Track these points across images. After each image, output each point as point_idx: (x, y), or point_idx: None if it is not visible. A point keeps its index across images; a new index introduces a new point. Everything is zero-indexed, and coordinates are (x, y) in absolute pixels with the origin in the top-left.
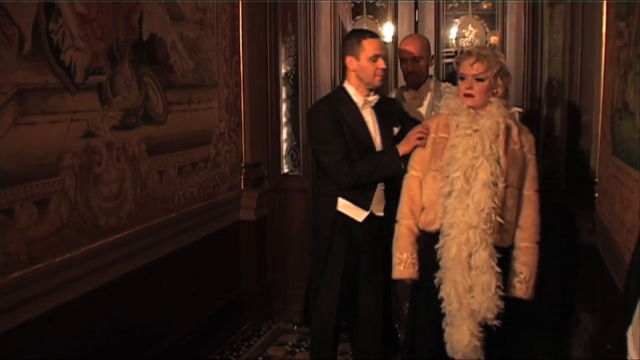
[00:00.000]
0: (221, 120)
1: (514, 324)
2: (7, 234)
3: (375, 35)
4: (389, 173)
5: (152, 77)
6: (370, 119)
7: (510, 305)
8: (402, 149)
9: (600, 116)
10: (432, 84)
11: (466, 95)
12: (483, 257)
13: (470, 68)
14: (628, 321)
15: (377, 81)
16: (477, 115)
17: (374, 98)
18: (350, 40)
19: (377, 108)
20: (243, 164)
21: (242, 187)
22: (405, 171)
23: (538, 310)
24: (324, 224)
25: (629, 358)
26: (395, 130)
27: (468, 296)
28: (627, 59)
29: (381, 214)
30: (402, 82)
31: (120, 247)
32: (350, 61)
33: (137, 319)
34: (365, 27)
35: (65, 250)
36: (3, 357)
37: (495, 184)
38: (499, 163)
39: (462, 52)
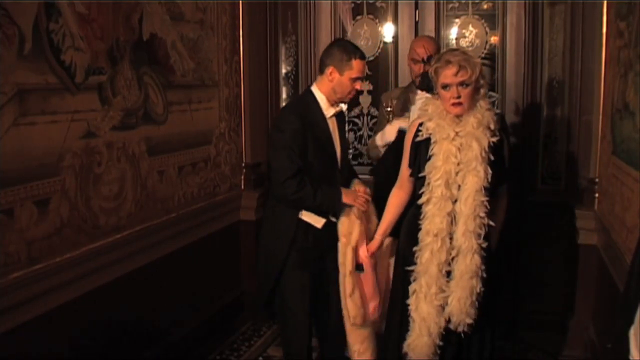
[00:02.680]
0: (221, 120)
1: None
2: (7, 234)
3: (364, 57)
4: (328, 210)
5: (152, 77)
6: (333, 127)
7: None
8: (346, 198)
9: (600, 116)
10: None
11: (454, 104)
12: (476, 261)
13: (454, 77)
14: (629, 321)
15: (348, 99)
16: (456, 118)
17: (339, 108)
18: (340, 53)
19: (336, 117)
20: (243, 164)
21: (242, 187)
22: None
23: (538, 310)
24: (286, 231)
25: (630, 358)
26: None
27: (437, 302)
28: (627, 59)
29: (335, 219)
30: (402, 82)
31: (120, 247)
32: (332, 72)
33: (137, 319)
34: (351, 41)
35: (65, 250)
36: (3, 357)
37: (486, 188)
38: (489, 165)
39: (437, 59)
